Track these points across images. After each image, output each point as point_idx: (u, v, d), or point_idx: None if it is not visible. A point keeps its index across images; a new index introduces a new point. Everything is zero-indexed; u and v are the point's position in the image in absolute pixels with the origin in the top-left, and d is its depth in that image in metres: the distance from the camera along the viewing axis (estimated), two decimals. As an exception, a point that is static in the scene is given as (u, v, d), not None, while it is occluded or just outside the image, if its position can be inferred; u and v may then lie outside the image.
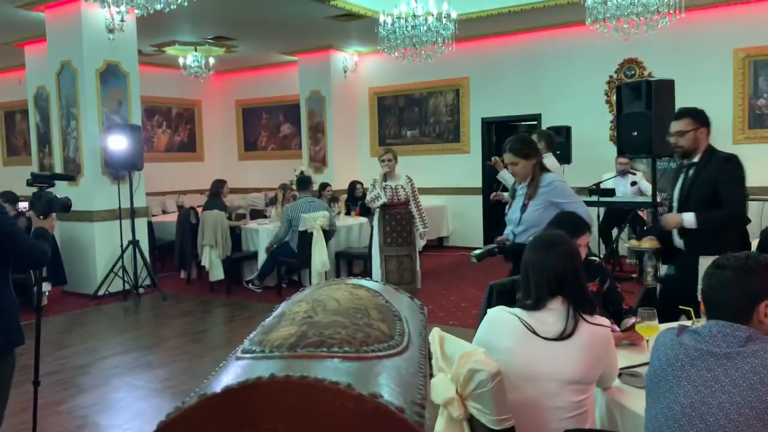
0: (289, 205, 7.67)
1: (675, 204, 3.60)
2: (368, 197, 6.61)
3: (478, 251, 3.75)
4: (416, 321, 0.79)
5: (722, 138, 8.28)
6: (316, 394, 0.52)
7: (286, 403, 0.52)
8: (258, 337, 0.65)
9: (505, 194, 5.52)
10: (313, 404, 0.52)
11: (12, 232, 2.66)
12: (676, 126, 3.53)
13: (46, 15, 7.81)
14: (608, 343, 2.11)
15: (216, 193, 8.31)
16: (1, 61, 10.91)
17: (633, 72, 9.04)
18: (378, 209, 6.55)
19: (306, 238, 7.24)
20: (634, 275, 7.43)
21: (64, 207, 3.18)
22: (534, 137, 5.77)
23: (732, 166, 3.36)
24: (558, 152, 8.60)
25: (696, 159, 3.48)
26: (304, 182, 7.68)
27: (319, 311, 0.70)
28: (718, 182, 3.35)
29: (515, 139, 3.81)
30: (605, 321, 2.18)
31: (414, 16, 6.96)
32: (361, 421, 0.51)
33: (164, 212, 11.22)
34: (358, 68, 11.25)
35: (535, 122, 9.74)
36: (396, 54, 7.39)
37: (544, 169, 3.75)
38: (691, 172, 3.49)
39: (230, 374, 0.55)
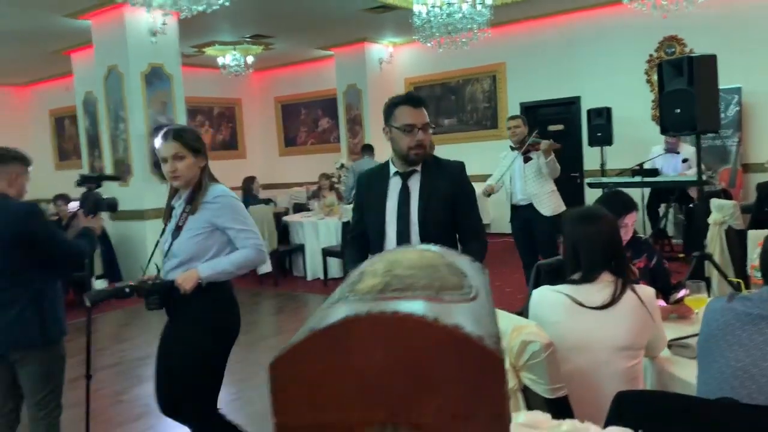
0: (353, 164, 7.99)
1: None
2: None
3: (95, 291, 2.75)
4: (480, 279, 0.87)
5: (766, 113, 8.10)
6: (406, 326, 0.61)
7: (381, 334, 0.61)
8: (346, 288, 0.75)
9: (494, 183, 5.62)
10: (404, 335, 0.61)
11: (47, 238, 2.84)
12: None
13: (92, 23, 8.10)
14: (653, 306, 2.15)
15: (247, 189, 8.51)
16: (49, 69, 11.33)
17: (673, 49, 8.90)
18: None
19: (348, 228, 7.39)
20: (682, 255, 7.35)
21: (111, 207, 3.36)
22: (518, 121, 5.73)
23: None
24: (599, 134, 8.54)
25: None
26: (368, 147, 7.85)
27: (396, 267, 0.79)
28: None
29: (184, 128, 2.84)
30: (650, 288, 2.22)
31: (448, 3, 6.99)
32: (445, 348, 0.60)
33: (210, 209, 11.51)
34: (393, 59, 11.33)
35: (574, 104, 9.67)
36: (431, 43, 7.44)
37: (214, 179, 2.79)
38: None
39: (330, 315, 0.64)
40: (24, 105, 13.39)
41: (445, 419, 0.57)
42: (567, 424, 1.06)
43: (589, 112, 8.76)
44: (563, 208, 5.48)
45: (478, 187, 10.70)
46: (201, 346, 2.73)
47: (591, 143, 8.78)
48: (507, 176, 5.59)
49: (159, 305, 2.71)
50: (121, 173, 7.92)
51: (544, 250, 5.26)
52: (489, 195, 5.68)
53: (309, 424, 0.59)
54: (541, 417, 1.08)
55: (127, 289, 2.69)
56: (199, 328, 2.73)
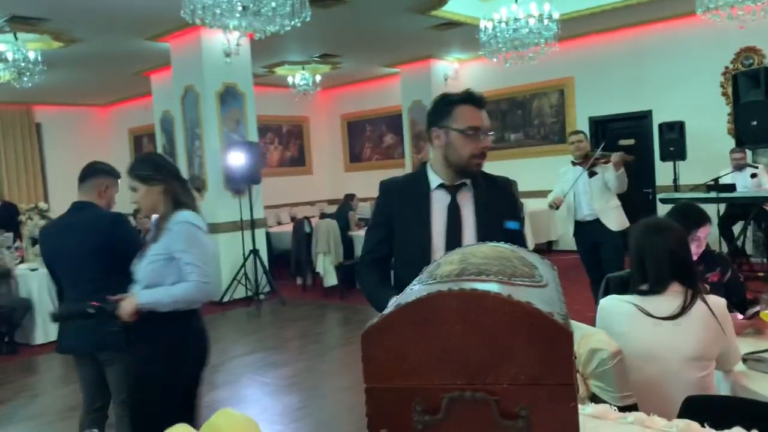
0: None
1: None
2: None
3: (58, 309, 2.75)
4: (549, 272, 0.94)
5: None
6: (483, 301, 0.69)
7: (461, 309, 0.69)
8: (426, 275, 0.84)
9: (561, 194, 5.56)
10: (481, 309, 0.69)
11: (131, 246, 2.95)
12: None
13: (170, 45, 8.55)
14: (724, 317, 2.14)
15: (345, 206, 8.84)
16: (129, 89, 11.98)
17: (751, 61, 8.62)
18: None
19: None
20: (762, 273, 7.07)
21: None
22: (581, 136, 5.69)
23: None
24: (672, 149, 8.34)
25: None
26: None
27: (470, 258, 0.87)
28: None
29: (136, 159, 2.79)
30: (721, 299, 2.21)
31: (515, 19, 7.03)
32: (518, 321, 0.68)
33: (279, 223, 11.83)
34: (458, 75, 11.41)
35: (645, 118, 9.48)
36: (497, 58, 7.48)
37: (182, 204, 2.67)
38: None
39: (414, 293, 0.73)
40: (105, 124, 14.18)
41: (518, 386, 0.65)
42: (633, 415, 1.11)
43: (661, 126, 8.57)
44: (628, 223, 5.40)
45: (536, 204, 10.43)
46: (154, 376, 2.58)
47: (663, 158, 8.58)
48: (570, 192, 5.56)
49: (119, 330, 2.62)
50: (198, 188, 8.28)
51: (611, 265, 5.17)
52: (557, 208, 5.63)
53: (396, 388, 0.68)
54: (608, 409, 1.13)
55: (91, 310, 2.64)
56: (155, 357, 2.59)
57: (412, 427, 0.68)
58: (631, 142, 9.66)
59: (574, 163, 5.71)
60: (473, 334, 0.67)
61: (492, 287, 0.71)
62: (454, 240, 2.14)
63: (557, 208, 5.64)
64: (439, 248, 2.16)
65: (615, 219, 5.41)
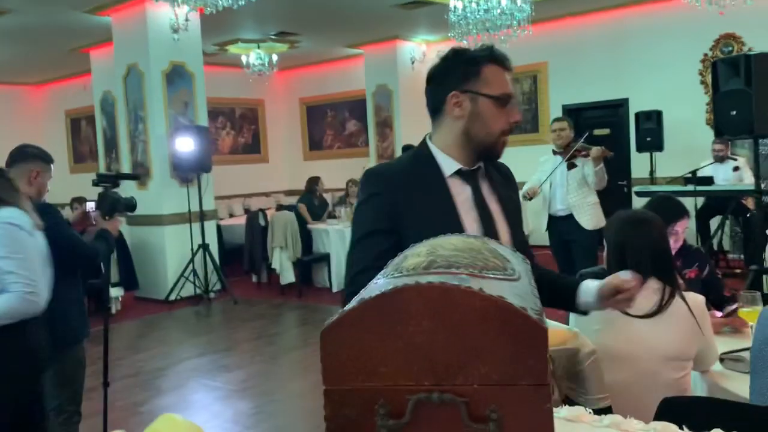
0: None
1: None
2: None
3: None
4: (522, 266, 0.95)
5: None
6: (452, 296, 0.69)
7: (429, 303, 0.69)
8: (392, 268, 0.83)
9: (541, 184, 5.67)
10: (451, 303, 0.69)
11: (60, 237, 2.90)
12: None
13: (112, 19, 8.36)
14: (703, 315, 2.19)
15: (310, 191, 8.77)
16: (66, 67, 11.68)
17: (731, 48, 8.84)
18: None
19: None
20: (739, 270, 7.28)
21: (128, 207, 3.43)
22: (564, 123, 5.77)
23: None
24: (648, 139, 8.51)
25: None
26: (411, 149, 7.83)
27: (439, 250, 0.87)
28: None
29: None
30: (700, 296, 2.26)
31: (487, -1, 7.07)
32: (489, 316, 0.68)
33: (231, 216, 11.72)
34: (426, 58, 11.42)
35: (621, 107, 9.65)
36: (467, 41, 7.51)
37: (3, 201, 2.48)
38: None
39: (378, 287, 0.72)
40: (39, 105, 13.80)
41: (489, 387, 0.64)
42: (609, 418, 1.13)
43: (637, 115, 8.74)
44: (604, 222, 5.48)
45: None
46: None
47: (639, 149, 8.74)
48: (547, 183, 5.60)
49: None
50: (141, 175, 8.13)
51: (581, 266, 5.23)
52: (531, 198, 5.69)
53: (357, 390, 0.67)
54: (583, 412, 1.14)
55: None
56: None
57: (375, 432, 0.68)
58: (606, 132, 9.82)
59: (554, 152, 5.75)
60: (441, 331, 0.67)
61: (462, 280, 0.71)
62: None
63: (530, 198, 5.69)
64: None
65: (590, 216, 5.44)
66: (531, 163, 10.42)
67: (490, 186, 1.86)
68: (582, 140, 5.59)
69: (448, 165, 1.81)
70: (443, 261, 0.79)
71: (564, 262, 5.60)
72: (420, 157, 1.85)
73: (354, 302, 0.70)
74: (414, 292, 0.69)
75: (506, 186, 1.92)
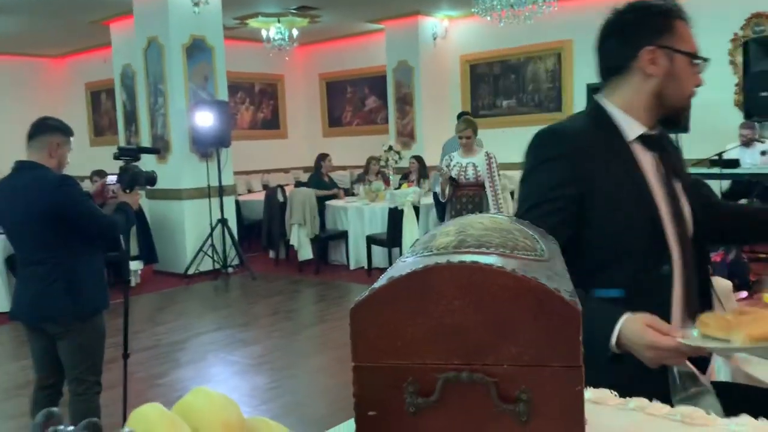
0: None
1: None
2: (433, 188, 6.38)
3: None
4: (552, 246, 0.94)
5: None
6: (484, 275, 0.69)
7: (461, 282, 0.68)
8: (420, 247, 0.82)
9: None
10: (483, 283, 0.68)
11: (80, 209, 2.99)
12: None
13: (132, -9, 8.35)
14: (728, 299, 2.16)
15: (317, 167, 8.78)
16: (86, 39, 11.71)
17: (762, 28, 8.65)
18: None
19: (395, 215, 7.46)
20: (764, 255, 7.19)
21: (149, 180, 3.46)
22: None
23: None
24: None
25: None
26: (458, 117, 7.63)
27: (468, 229, 0.86)
28: None
29: None
30: (725, 281, 2.23)
31: (512, -26, 6.97)
32: (522, 297, 0.67)
33: (250, 191, 11.77)
34: (448, 35, 11.32)
35: (647, 87, 9.52)
36: (491, 17, 7.43)
37: None
38: None
39: (408, 266, 0.72)
40: (59, 78, 13.88)
41: (519, 367, 0.64)
42: (634, 401, 1.12)
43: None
44: None
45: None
46: None
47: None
48: None
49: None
50: (160, 149, 8.18)
51: None
52: None
53: (386, 367, 0.67)
54: (608, 394, 1.14)
55: None
56: None
57: (404, 410, 0.68)
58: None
59: None
60: (472, 311, 0.67)
61: (494, 260, 0.70)
62: (679, 222, 1.60)
63: None
64: (669, 235, 1.58)
65: None
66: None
67: (667, 155, 1.65)
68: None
69: (631, 128, 1.61)
70: (474, 240, 0.79)
71: None
72: (597, 116, 1.66)
73: (383, 279, 0.70)
74: (445, 271, 0.68)
75: (678, 158, 1.72)
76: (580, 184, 1.54)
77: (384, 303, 0.69)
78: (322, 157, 8.94)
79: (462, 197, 6.04)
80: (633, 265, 1.54)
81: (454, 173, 5.99)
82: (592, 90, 10.27)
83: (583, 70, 10.09)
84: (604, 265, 1.55)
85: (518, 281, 0.67)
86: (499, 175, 6.04)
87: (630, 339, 1.32)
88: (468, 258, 0.70)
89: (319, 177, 8.84)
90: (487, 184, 5.95)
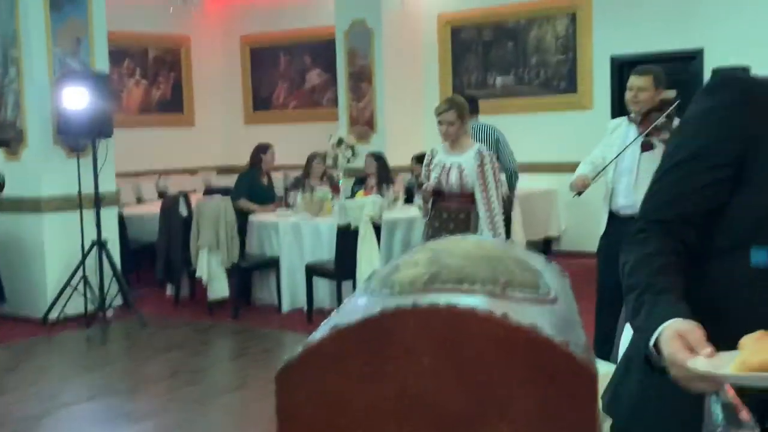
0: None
1: None
2: (416, 202, 6.38)
3: None
4: (559, 282, 0.95)
5: None
6: (465, 323, 0.69)
7: (432, 333, 0.69)
8: (377, 282, 0.82)
9: None
10: (462, 335, 0.68)
11: None
12: None
13: None
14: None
15: (254, 162, 8.84)
16: None
17: None
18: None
19: (346, 236, 7.47)
20: None
21: None
22: (647, 79, 5.57)
23: None
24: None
25: None
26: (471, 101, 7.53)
27: (445, 257, 0.86)
28: None
29: None
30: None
31: None
32: (517, 354, 0.68)
33: (140, 201, 11.64)
34: (422, -15, 11.44)
35: (693, 60, 9.72)
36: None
37: None
38: None
39: (360, 310, 0.72)
40: None
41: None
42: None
43: (715, 71, 8.80)
44: None
45: (558, 180, 10.25)
46: None
47: (717, 120, 8.80)
48: (613, 165, 5.42)
49: None
50: (10, 140, 8.04)
51: None
52: (580, 193, 5.49)
53: (327, 454, 0.67)
54: None
55: None
56: None
57: None
58: (672, 95, 9.88)
59: (629, 119, 5.58)
60: (449, 373, 0.67)
61: (478, 302, 0.71)
62: None
63: (580, 193, 5.47)
64: None
65: None
66: (568, 135, 10.50)
67: None
68: (671, 109, 5.37)
69: None
70: (451, 274, 0.79)
71: (610, 281, 5.41)
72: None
73: (325, 329, 0.70)
74: (411, 318, 0.69)
75: None
76: (743, 142, 1.71)
77: (325, 363, 0.69)
78: (262, 148, 8.89)
79: (441, 213, 6.01)
80: None
81: (432, 178, 5.97)
82: (618, 63, 10.49)
83: (605, 36, 10.27)
84: (747, 246, 1.71)
85: (511, 331, 0.67)
86: (497, 182, 5.97)
87: (662, 347, 1.51)
88: (442, 299, 0.70)
89: (254, 178, 8.76)
90: (478, 196, 5.88)
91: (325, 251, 7.83)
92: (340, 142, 8.63)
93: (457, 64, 11.47)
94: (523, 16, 10.90)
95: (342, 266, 7.52)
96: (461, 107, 6.01)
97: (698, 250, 1.76)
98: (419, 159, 9.13)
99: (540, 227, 10.23)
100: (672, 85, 9.94)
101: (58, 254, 8.00)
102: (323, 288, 7.90)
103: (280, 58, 13.28)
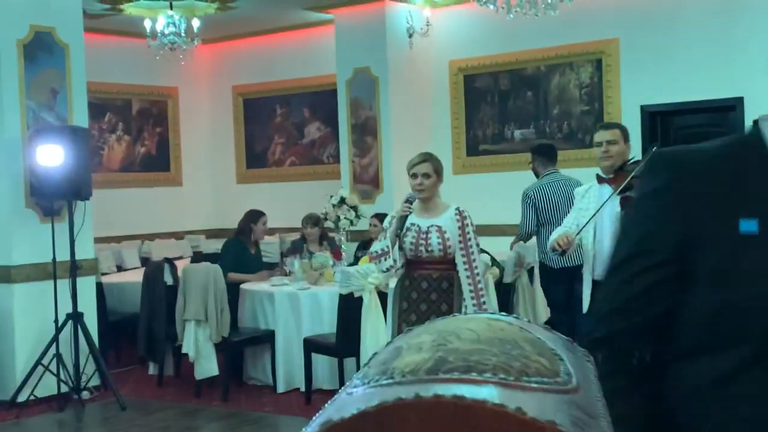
0: (529, 187, 7.90)
1: None
2: (372, 248, 6.13)
3: None
4: (582, 367, 0.93)
5: None
6: (475, 418, 0.67)
7: (437, 429, 0.67)
8: (376, 369, 0.81)
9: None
10: (472, 431, 0.67)
11: None
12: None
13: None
14: None
15: (242, 231, 8.85)
16: None
17: None
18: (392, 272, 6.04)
19: (349, 306, 7.43)
20: None
21: None
22: (615, 132, 5.90)
23: None
24: None
25: None
26: (546, 151, 8.02)
27: (453, 340, 0.85)
28: None
29: None
30: None
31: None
32: (535, 455, 0.66)
33: (120, 269, 11.63)
34: (431, 30, 11.54)
35: (732, 111, 9.76)
36: (495, 4, 7.60)
37: None
38: None
39: (355, 402, 0.71)
40: None
41: None
42: None
43: (756, 123, 8.82)
44: None
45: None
46: None
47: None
48: (590, 228, 5.53)
49: None
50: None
51: None
52: (563, 252, 5.58)
53: None
54: None
55: None
56: None
57: None
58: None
59: (600, 180, 5.76)
60: (456, 476, 0.65)
61: (490, 393, 0.69)
62: None
63: (562, 253, 5.57)
64: None
65: None
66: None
67: None
68: (644, 162, 5.45)
69: None
70: (458, 360, 0.78)
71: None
72: (739, 139, 1.89)
73: (314, 425, 0.68)
74: (412, 412, 0.67)
75: None
76: (684, 233, 1.67)
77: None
78: (254, 216, 8.90)
79: (419, 282, 5.92)
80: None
81: (408, 244, 5.81)
82: (649, 113, 10.51)
83: (634, 84, 10.32)
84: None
85: (528, 428, 0.66)
86: (477, 245, 5.98)
87: None
88: (448, 390, 0.69)
89: (240, 247, 8.78)
90: (459, 261, 5.86)
91: (326, 324, 7.80)
92: (341, 202, 8.67)
93: (471, 116, 11.52)
94: (543, 62, 10.97)
95: (344, 341, 7.48)
96: (437, 161, 6.05)
97: (654, 361, 1.72)
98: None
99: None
100: (706, 137, 10.00)
101: (29, 329, 7.97)
102: (323, 365, 7.85)
103: (276, 109, 13.38)
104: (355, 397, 0.71)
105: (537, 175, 8.16)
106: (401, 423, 0.65)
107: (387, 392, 0.69)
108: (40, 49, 8.20)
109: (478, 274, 5.90)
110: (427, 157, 6.02)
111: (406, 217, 5.72)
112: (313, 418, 0.71)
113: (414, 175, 5.89)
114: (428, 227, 5.82)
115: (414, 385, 0.70)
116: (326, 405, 0.77)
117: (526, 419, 0.64)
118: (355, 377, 0.84)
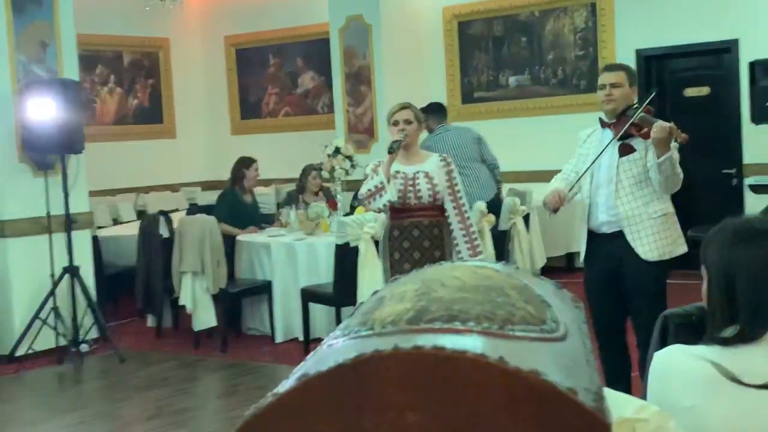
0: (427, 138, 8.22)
1: None
2: (362, 190, 6.02)
3: None
4: (570, 313, 0.91)
5: None
6: (455, 369, 0.65)
7: (416, 382, 0.65)
8: (357, 319, 0.79)
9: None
10: (452, 383, 0.65)
11: None
12: None
13: None
14: None
15: (235, 179, 8.86)
16: None
17: None
18: (384, 215, 6.10)
19: (346, 256, 7.42)
20: None
21: None
22: (619, 75, 5.46)
23: None
24: None
25: None
26: (438, 109, 8.44)
27: (437, 288, 0.83)
28: None
29: None
30: None
31: None
32: (518, 404, 0.64)
33: (116, 222, 11.62)
34: (424, -25, 11.45)
35: (728, 54, 9.70)
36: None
37: None
38: None
39: (333, 355, 0.69)
40: None
41: None
42: None
43: (753, 66, 8.79)
44: (681, 249, 5.18)
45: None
46: None
47: (756, 119, 8.79)
48: (588, 176, 5.31)
49: None
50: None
51: (640, 319, 4.97)
52: (556, 210, 5.36)
53: None
54: None
55: None
56: None
57: None
58: (704, 92, 9.87)
59: (602, 124, 5.48)
60: (436, 427, 0.64)
61: (472, 343, 0.67)
62: None
63: (555, 211, 5.32)
64: None
65: (654, 238, 5.12)
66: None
67: None
68: (643, 106, 5.26)
69: None
70: (441, 309, 0.76)
71: (607, 311, 5.23)
72: None
73: (292, 379, 0.66)
74: (392, 364, 0.65)
75: None
76: None
77: (292, 419, 0.66)
78: (245, 163, 8.87)
79: (410, 230, 5.82)
80: None
81: (393, 191, 5.66)
82: (644, 58, 10.44)
83: (629, 28, 10.25)
84: None
85: (509, 378, 0.64)
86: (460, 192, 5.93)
87: None
88: (429, 341, 0.67)
89: (236, 197, 8.76)
90: (449, 207, 5.82)
91: (323, 274, 7.81)
92: (337, 152, 8.62)
93: (466, 63, 11.46)
94: (537, 7, 10.89)
95: (341, 290, 7.48)
96: (416, 109, 6.04)
97: None
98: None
99: (561, 242, 10.17)
100: (701, 82, 9.98)
101: (25, 283, 7.98)
102: (321, 315, 7.87)
103: (269, 60, 13.30)
104: (335, 349, 0.69)
105: (430, 131, 8.78)
106: (380, 375, 0.63)
107: (366, 344, 0.68)
108: (29, 2, 8.11)
109: (469, 218, 5.91)
110: (407, 105, 5.99)
111: (400, 142, 5.64)
112: (294, 370, 0.69)
113: (396, 122, 5.82)
114: (414, 173, 5.75)
115: (394, 336, 0.69)
116: (307, 357, 0.76)
117: (509, 369, 0.63)
118: (337, 329, 0.82)
